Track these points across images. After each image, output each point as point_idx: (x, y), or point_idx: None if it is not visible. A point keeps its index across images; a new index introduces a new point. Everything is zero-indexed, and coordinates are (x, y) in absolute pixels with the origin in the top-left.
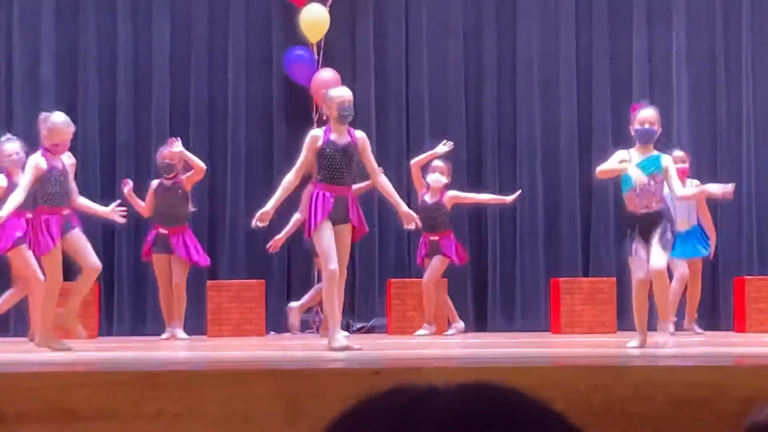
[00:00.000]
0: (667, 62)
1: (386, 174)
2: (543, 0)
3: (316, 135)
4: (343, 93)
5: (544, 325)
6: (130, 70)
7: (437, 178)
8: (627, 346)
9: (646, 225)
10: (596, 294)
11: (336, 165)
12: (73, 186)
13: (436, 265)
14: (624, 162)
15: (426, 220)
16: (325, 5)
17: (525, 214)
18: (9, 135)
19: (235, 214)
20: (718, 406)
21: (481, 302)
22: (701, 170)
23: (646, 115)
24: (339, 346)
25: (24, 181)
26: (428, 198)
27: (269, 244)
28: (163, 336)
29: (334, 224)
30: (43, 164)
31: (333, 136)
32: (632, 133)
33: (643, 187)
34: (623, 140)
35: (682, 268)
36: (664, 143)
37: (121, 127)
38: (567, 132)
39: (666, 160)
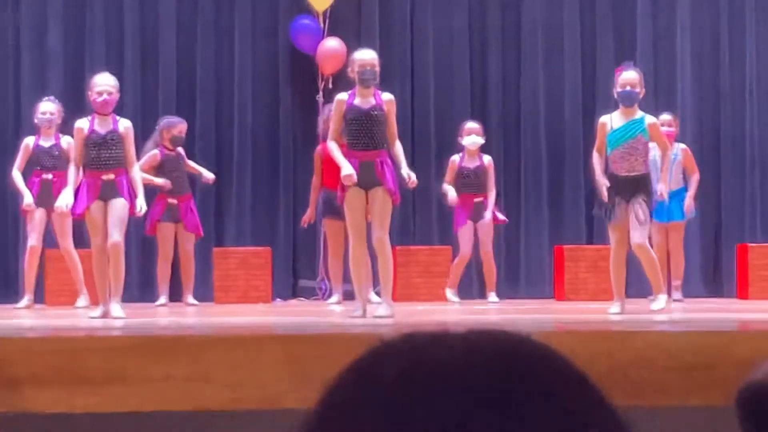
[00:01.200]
0: (670, 30)
1: None
2: None
3: (341, 99)
4: (364, 56)
5: (548, 292)
6: (137, 39)
7: (474, 140)
8: (608, 312)
9: (627, 188)
10: (600, 261)
11: (360, 130)
12: (122, 152)
13: (489, 232)
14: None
15: (470, 182)
16: None
17: (529, 182)
18: (50, 97)
19: (241, 180)
20: (721, 370)
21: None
22: (704, 137)
23: (627, 77)
24: (354, 314)
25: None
26: (467, 162)
27: (303, 219)
28: (159, 302)
29: (367, 190)
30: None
31: (357, 101)
32: (615, 95)
33: (628, 150)
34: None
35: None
36: (668, 108)
37: (128, 96)
38: (571, 99)
39: (650, 119)
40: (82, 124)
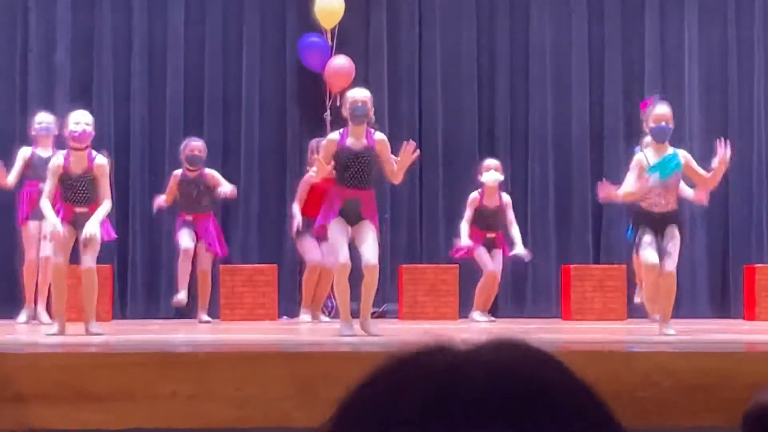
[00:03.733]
0: (679, 53)
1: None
2: None
3: (332, 139)
4: (356, 93)
5: (554, 312)
6: (144, 56)
7: (495, 177)
8: (666, 333)
9: (660, 224)
10: (607, 281)
11: (349, 170)
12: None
13: (499, 260)
14: (641, 169)
15: (487, 221)
16: None
17: (536, 202)
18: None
19: (248, 198)
20: (727, 392)
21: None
22: (712, 158)
23: (662, 111)
24: (344, 333)
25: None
26: (487, 201)
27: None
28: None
29: (352, 225)
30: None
31: (349, 141)
32: (646, 130)
33: (665, 185)
34: (634, 129)
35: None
36: (677, 135)
37: (135, 113)
38: (578, 120)
39: (682, 154)
40: (58, 160)
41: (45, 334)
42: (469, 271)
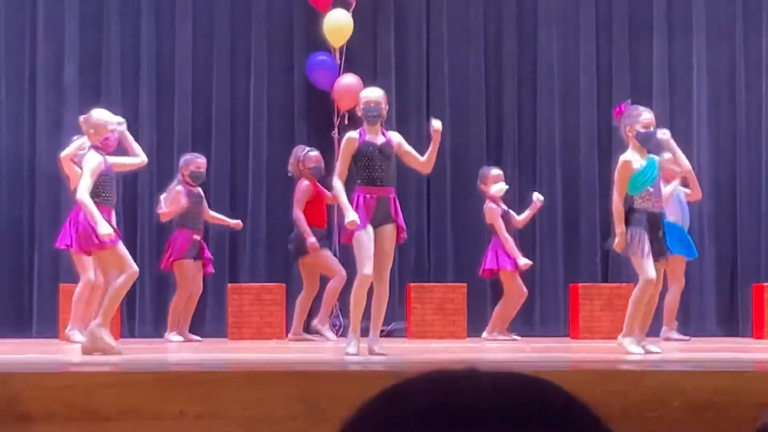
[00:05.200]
0: (686, 71)
1: (407, 179)
2: (564, 7)
3: (352, 137)
4: (369, 94)
5: (563, 331)
6: (152, 75)
7: (501, 188)
8: (651, 350)
9: (654, 225)
10: (615, 300)
11: (376, 164)
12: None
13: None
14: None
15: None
16: (348, 11)
17: (544, 220)
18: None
19: (256, 217)
20: (736, 411)
21: None
22: (720, 176)
23: (650, 118)
24: (350, 352)
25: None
26: (505, 214)
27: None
28: (175, 339)
29: (376, 227)
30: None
31: (369, 137)
32: (632, 134)
33: (655, 188)
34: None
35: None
36: (685, 153)
37: (144, 132)
38: (586, 138)
39: (658, 158)
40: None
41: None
42: (478, 290)
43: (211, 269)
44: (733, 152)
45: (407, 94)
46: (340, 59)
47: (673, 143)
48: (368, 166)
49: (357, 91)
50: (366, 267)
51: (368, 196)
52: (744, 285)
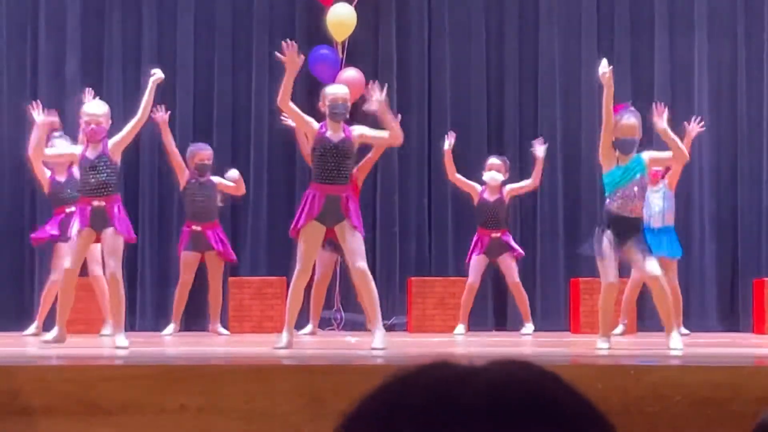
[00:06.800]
0: (688, 68)
1: (408, 174)
2: (565, 3)
3: (316, 125)
4: (336, 90)
5: (563, 325)
6: (154, 68)
7: (493, 176)
8: (596, 347)
9: (625, 229)
10: (617, 294)
11: (328, 161)
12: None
13: (512, 265)
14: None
15: (489, 217)
16: (350, 5)
17: (545, 214)
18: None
19: (257, 211)
20: (736, 406)
21: (501, 302)
22: (721, 172)
23: (630, 124)
24: (277, 346)
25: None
26: (488, 195)
27: None
28: (168, 332)
29: (331, 225)
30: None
31: (328, 133)
32: (613, 139)
33: (629, 192)
34: (644, 142)
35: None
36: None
37: (145, 128)
38: (588, 134)
39: (645, 155)
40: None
41: (42, 341)
42: (479, 284)
43: (230, 257)
44: (735, 149)
45: (408, 89)
46: (343, 53)
47: (670, 133)
48: (320, 162)
49: (359, 85)
50: (305, 263)
51: (317, 194)
52: (744, 280)
